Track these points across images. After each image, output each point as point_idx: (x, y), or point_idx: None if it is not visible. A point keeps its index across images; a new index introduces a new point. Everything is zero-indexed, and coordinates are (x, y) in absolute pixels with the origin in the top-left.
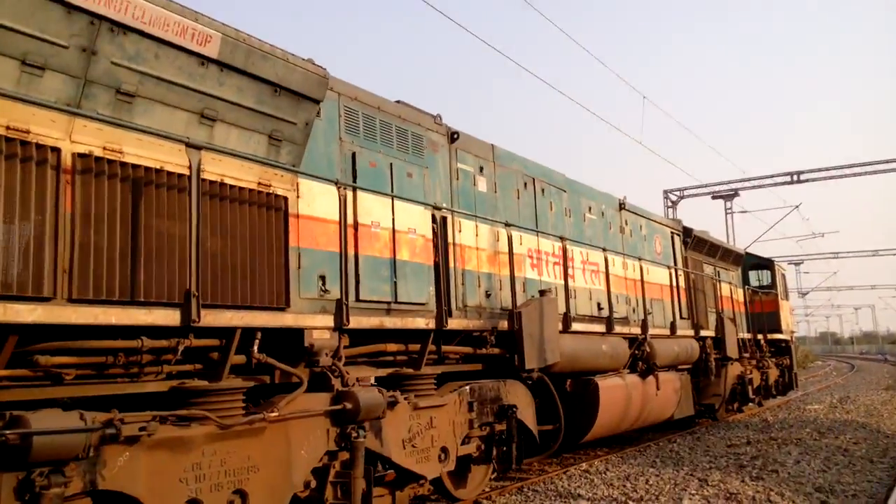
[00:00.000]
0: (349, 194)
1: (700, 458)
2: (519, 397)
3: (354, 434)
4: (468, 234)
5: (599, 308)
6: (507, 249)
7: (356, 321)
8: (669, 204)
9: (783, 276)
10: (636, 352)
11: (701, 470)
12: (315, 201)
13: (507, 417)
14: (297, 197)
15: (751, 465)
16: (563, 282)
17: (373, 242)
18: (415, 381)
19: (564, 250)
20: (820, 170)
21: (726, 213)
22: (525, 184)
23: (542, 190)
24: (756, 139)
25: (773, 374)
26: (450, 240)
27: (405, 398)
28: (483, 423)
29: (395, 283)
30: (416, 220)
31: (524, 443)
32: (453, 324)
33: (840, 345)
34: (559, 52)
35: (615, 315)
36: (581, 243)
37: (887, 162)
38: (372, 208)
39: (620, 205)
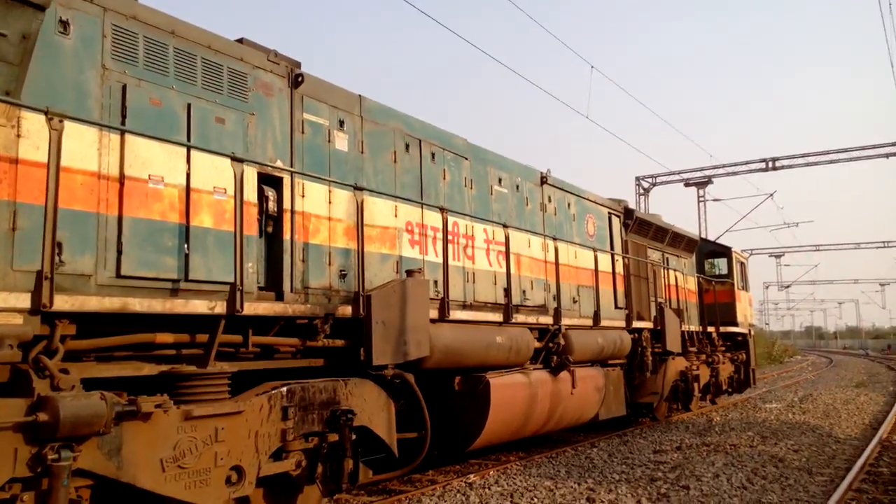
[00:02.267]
0: (112, 138)
1: (615, 467)
2: (366, 400)
3: (52, 455)
4: (316, 201)
5: (507, 294)
6: (378, 222)
7: (91, 302)
8: (641, 191)
9: (741, 264)
10: (550, 344)
11: (607, 483)
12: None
13: (339, 426)
14: (18, 135)
15: (663, 479)
16: (451, 260)
17: (149, 202)
18: (196, 381)
19: (445, 223)
20: (795, 156)
21: (699, 201)
22: (407, 146)
23: (433, 155)
24: (729, 127)
25: (727, 370)
26: (286, 206)
27: (176, 405)
28: (307, 433)
29: (188, 255)
30: (227, 179)
31: (383, 455)
32: (256, 308)
33: (824, 339)
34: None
35: (528, 302)
36: (479, 219)
37: (865, 148)
38: (151, 159)
39: (542, 178)
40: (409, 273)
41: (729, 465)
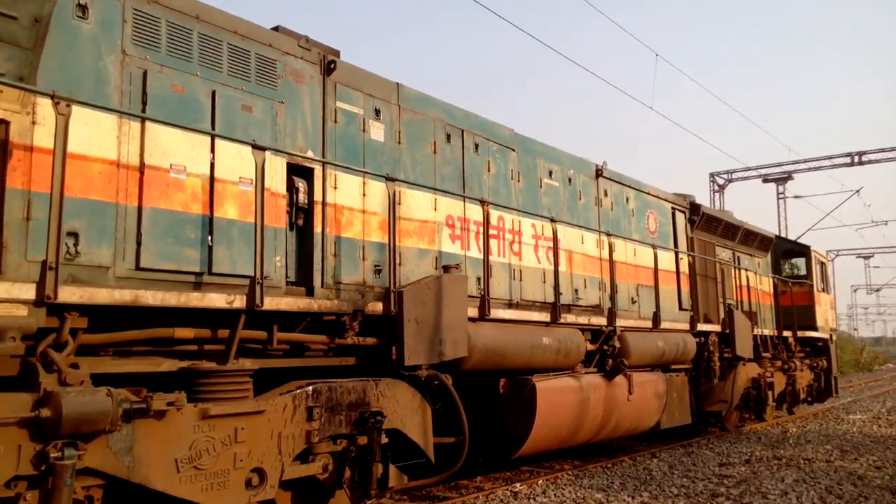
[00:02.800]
0: (133, 125)
1: (675, 480)
2: (399, 402)
3: (55, 453)
4: (349, 193)
5: (558, 293)
6: (416, 215)
7: (100, 294)
8: (716, 188)
9: (822, 264)
10: (605, 347)
11: (663, 497)
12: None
13: (368, 428)
14: (34, 122)
15: (725, 495)
16: (493, 256)
17: (170, 192)
18: (215, 379)
19: (486, 216)
20: (884, 150)
21: (778, 198)
22: (448, 136)
23: (476, 146)
24: (810, 120)
25: (805, 377)
26: (317, 198)
27: (194, 403)
28: (335, 435)
29: (211, 248)
30: (254, 169)
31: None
32: (279, 303)
33: None
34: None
35: (580, 302)
36: (527, 213)
37: None
38: (173, 148)
39: (597, 171)
40: (447, 269)
41: (800, 482)
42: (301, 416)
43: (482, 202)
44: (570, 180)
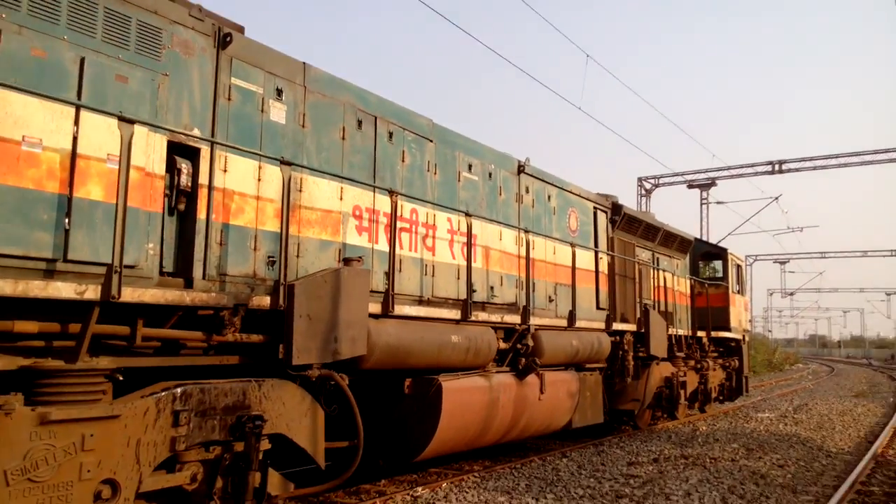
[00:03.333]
0: None
1: (581, 480)
2: (285, 404)
3: None
4: (242, 177)
5: (471, 290)
6: (319, 204)
7: None
8: (643, 192)
9: (738, 266)
10: (518, 346)
11: (568, 499)
12: None
13: (245, 434)
14: None
15: (629, 496)
16: (404, 251)
17: (20, 167)
18: (62, 379)
19: (394, 207)
20: (803, 159)
21: (702, 204)
22: (360, 122)
23: (391, 134)
24: (734, 129)
25: (717, 377)
26: (203, 181)
27: (32, 406)
28: (207, 441)
29: (68, 232)
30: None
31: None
32: (142, 296)
33: (828, 348)
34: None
35: (495, 300)
36: (443, 207)
37: (876, 152)
38: (27, 117)
39: (520, 167)
40: (347, 262)
41: (704, 482)
42: (165, 422)
43: (390, 192)
44: (490, 175)
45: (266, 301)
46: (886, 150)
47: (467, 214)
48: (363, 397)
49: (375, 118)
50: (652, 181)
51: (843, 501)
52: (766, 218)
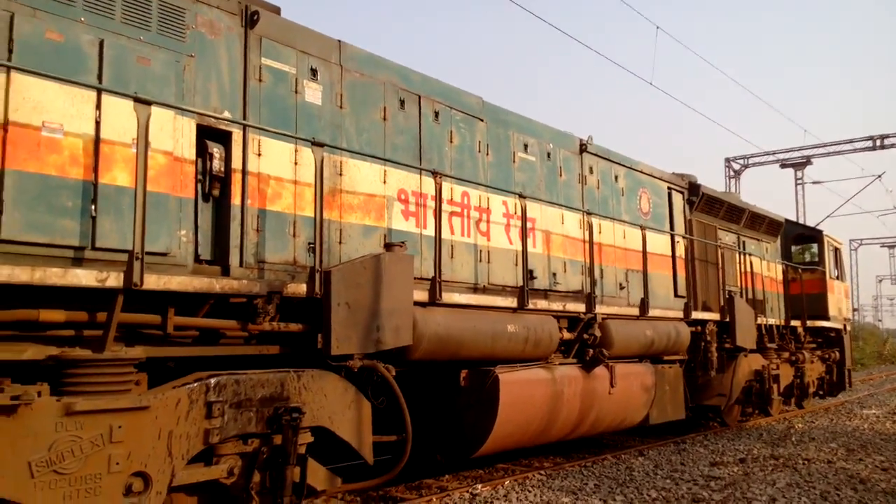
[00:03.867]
0: None
1: (657, 481)
2: (327, 396)
3: None
4: (277, 161)
5: (531, 277)
6: (361, 189)
7: None
8: (732, 174)
9: (836, 249)
10: (585, 336)
11: (638, 503)
12: None
13: (282, 427)
14: None
15: (707, 501)
16: (455, 236)
17: (41, 154)
18: (89, 369)
19: (439, 189)
20: None
21: (796, 184)
22: (402, 102)
23: (437, 114)
24: (829, 104)
25: (815, 369)
26: (236, 165)
27: (57, 397)
28: (245, 434)
29: (95, 218)
30: (154, 130)
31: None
32: (168, 283)
33: None
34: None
35: (558, 287)
36: (497, 189)
37: None
38: (47, 102)
39: (582, 146)
40: (389, 247)
41: (793, 486)
42: (198, 413)
43: (434, 173)
44: (548, 155)
45: (302, 289)
46: None
47: (521, 196)
48: (416, 389)
49: (419, 97)
50: (741, 161)
51: None
52: (869, 198)
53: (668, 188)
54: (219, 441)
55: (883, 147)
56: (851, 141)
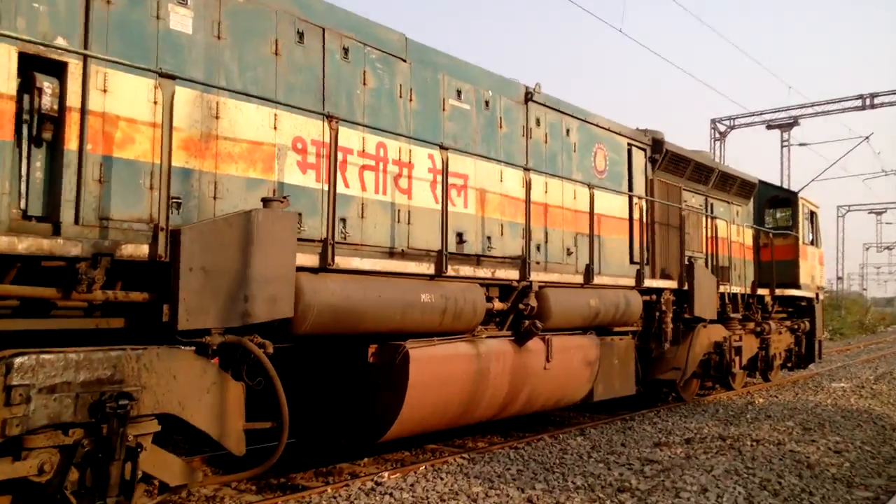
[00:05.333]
0: None
1: (588, 466)
2: (177, 378)
3: None
4: (130, 99)
5: (460, 241)
6: (243, 135)
7: None
8: (717, 136)
9: (811, 213)
10: (521, 306)
11: (557, 492)
12: None
13: (107, 416)
14: None
15: (631, 491)
16: (367, 193)
17: None
18: None
19: (334, 137)
20: None
21: (782, 146)
22: (301, 34)
23: (346, 50)
24: (817, 63)
25: (783, 341)
26: (71, 102)
27: None
28: (63, 423)
29: None
30: None
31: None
32: None
33: None
34: None
35: (493, 251)
36: (421, 141)
37: None
38: None
39: (527, 95)
40: (266, 202)
41: (731, 473)
42: None
43: (328, 117)
44: (487, 104)
45: (143, 251)
46: None
47: (442, 147)
48: (313, 368)
49: (323, 30)
50: (726, 122)
51: None
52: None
53: (629, 144)
54: (22, 432)
55: (873, 106)
56: (840, 100)
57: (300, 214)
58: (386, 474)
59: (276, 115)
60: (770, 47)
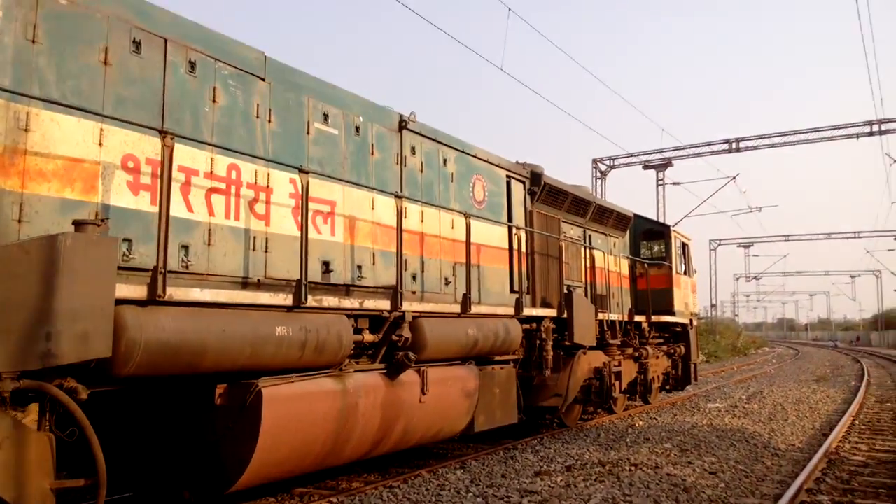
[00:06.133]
0: None
1: (464, 501)
2: None
3: None
4: None
5: (327, 270)
6: (59, 150)
7: None
8: (598, 174)
9: (683, 245)
10: (394, 337)
11: None
12: None
13: None
14: None
15: None
16: (216, 218)
17: None
18: None
19: (168, 156)
20: (762, 136)
21: (658, 185)
22: (137, 44)
23: (192, 64)
24: (690, 110)
25: (660, 365)
26: None
27: None
28: None
29: None
30: None
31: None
32: None
33: (795, 331)
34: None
35: (364, 281)
36: (281, 164)
37: (836, 128)
38: None
39: (402, 123)
40: (79, 225)
41: (608, 501)
42: None
43: (162, 133)
44: (357, 129)
45: None
46: (846, 125)
47: (301, 171)
48: (155, 411)
49: (165, 41)
50: (607, 162)
51: None
52: (726, 200)
53: (507, 176)
54: None
55: (738, 150)
56: (709, 144)
57: (130, 241)
58: None
59: (101, 129)
60: (646, 93)
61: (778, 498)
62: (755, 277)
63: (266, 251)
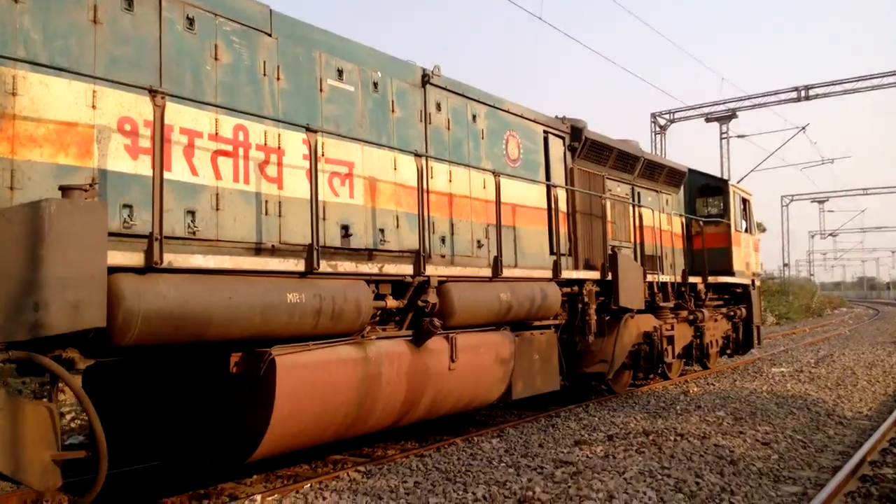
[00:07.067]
0: None
1: (496, 473)
2: None
3: None
4: None
5: (346, 234)
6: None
7: None
8: (658, 130)
9: (743, 200)
10: (420, 303)
11: None
12: None
13: None
14: None
15: (532, 501)
16: (223, 182)
17: None
18: None
19: (160, 117)
20: (833, 82)
21: (721, 138)
22: (129, 0)
23: (191, 20)
24: (755, 60)
25: (718, 328)
26: None
27: None
28: None
29: None
30: None
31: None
32: None
33: (876, 290)
34: None
35: (386, 245)
36: (293, 125)
37: None
38: None
39: (424, 77)
40: (66, 191)
41: (644, 475)
42: None
43: (151, 91)
44: (375, 85)
45: None
46: None
47: (308, 129)
48: (176, 380)
49: None
50: (666, 116)
51: (839, 494)
52: (796, 153)
53: (545, 132)
54: None
55: (808, 98)
56: (776, 92)
57: (130, 207)
58: (258, 497)
59: (94, 91)
60: (704, 42)
61: (837, 470)
62: (831, 234)
63: (280, 215)
